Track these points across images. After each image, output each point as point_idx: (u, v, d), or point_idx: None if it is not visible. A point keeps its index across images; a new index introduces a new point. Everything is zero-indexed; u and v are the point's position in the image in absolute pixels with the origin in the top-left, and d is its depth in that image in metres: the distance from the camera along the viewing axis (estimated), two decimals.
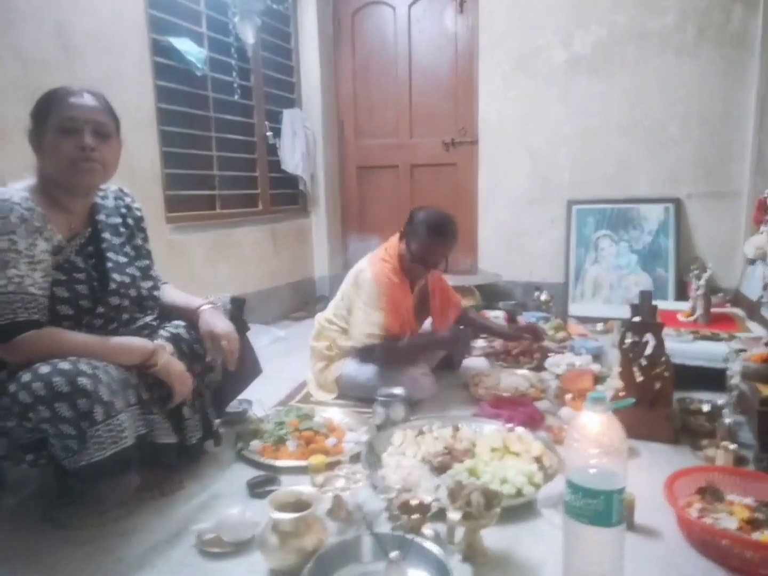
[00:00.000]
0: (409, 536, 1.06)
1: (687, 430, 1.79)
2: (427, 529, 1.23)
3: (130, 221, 1.54)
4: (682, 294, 3.16)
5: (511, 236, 3.60)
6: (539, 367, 2.45)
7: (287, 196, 3.77)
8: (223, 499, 1.46)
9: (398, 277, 2.10)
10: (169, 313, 1.61)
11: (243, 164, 3.38)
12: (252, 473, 1.56)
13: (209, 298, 1.70)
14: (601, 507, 1.00)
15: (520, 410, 1.89)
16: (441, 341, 2.22)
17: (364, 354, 2.08)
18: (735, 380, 1.71)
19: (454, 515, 1.13)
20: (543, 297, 3.41)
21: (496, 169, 3.57)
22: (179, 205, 2.85)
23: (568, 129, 3.37)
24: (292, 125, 3.55)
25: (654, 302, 1.89)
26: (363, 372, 2.09)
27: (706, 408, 1.88)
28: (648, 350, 1.79)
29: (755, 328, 2.40)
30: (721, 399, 1.87)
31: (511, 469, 1.48)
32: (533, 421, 1.85)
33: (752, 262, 1.72)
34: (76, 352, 1.23)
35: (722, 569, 1.15)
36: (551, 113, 3.39)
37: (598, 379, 1.98)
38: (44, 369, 1.14)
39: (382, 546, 1.03)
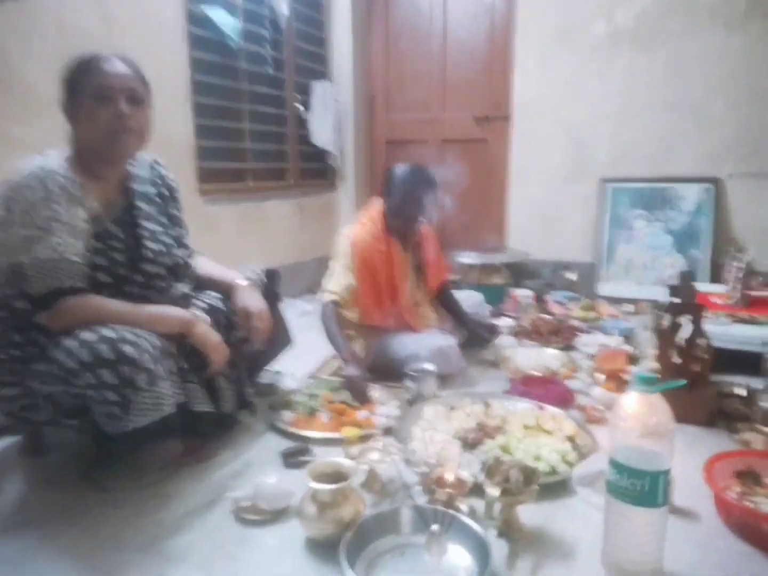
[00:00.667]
0: (449, 511, 1.05)
1: (722, 414, 1.75)
2: (462, 504, 1.23)
3: (164, 191, 1.54)
4: (717, 277, 3.07)
5: (541, 214, 3.53)
6: (569, 347, 2.42)
7: (316, 170, 3.74)
8: (256, 467, 1.48)
9: (381, 238, 2.08)
10: (203, 284, 1.62)
11: (274, 138, 3.35)
12: (284, 443, 1.58)
13: (246, 269, 1.71)
14: (647, 488, 0.98)
15: (552, 389, 1.88)
16: (344, 365, 1.93)
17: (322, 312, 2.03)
18: None
19: (493, 491, 1.13)
20: (571, 276, 3.36)
21: (529, 145, 3.49)
22: (212, 177, 2.85)
23: (607, 105, 3.26)
24: (322, 98, 3.51)
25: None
26: (393, 348, 2.08)
27: (742, 392, 1.84)
28: (685, 332, 1.76)
29: None
30: (757, 383, 1.83)
31: (544, 447, 1.47)
32: (565, 401, 1.84)
33: None
34: (116, 319, 1.25)
35: (762, 553, 1.13)
36: (590, 89, 3.28)
37: (632, 359, 1.94)
38: (88, 335, 1.16)
39: (423, 519, 1.03)
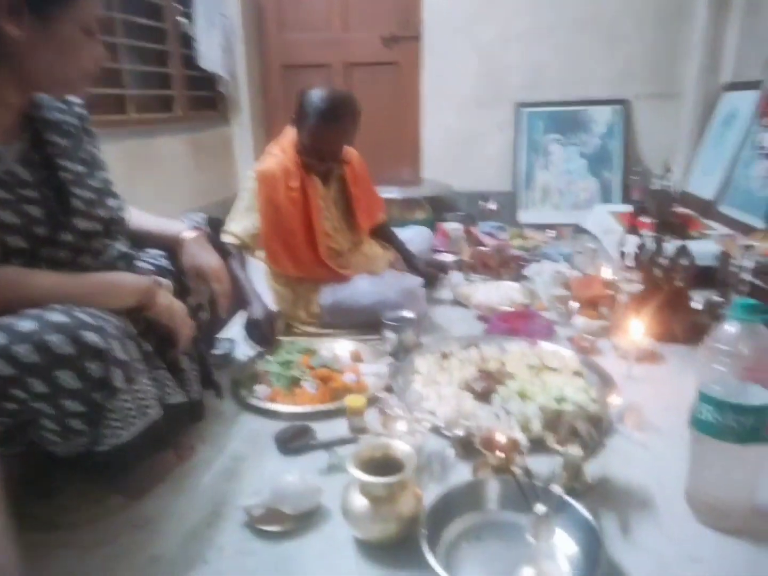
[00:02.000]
0: (556, 487, 0.89)
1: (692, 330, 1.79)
2: (516, 468, 1.07)
3: (72, 120, 1.11)
4: (626, 197, 3.20)
5: (457, 142, 3.39)
6: (520, 277, 2.36)
7: (206, 99, 3.21)
8: (248, 461, 1.20)
9: (293, 173, 1.78)
10: (140, 241, 1.23)
11: (154, 57, 2.77)
12: (269, 425, 1.31)
13: (186, 218, 1.34)
14: (755, 424, 0.89)
15: (534, 322, 1.78)
16: (248, 305, 1.67)
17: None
18: (745, 276, 1.71)
19: (575, 451, 0.98)
20: (491, 206, 3.30)
21: (441, 68, 3.28)
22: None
23: (519, 24, 3.13)
24: (207, 12, 2.94)
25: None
26: (353, 296, 1.84)
27: (698, 306, 1.89)
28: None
29: (715, 226, 2.47)
30: (713, 295, 1.90)
31: (567, 386, 1.36)
32: (549, 334, 1.75)
33: None
34: (47, 297, 0.86)
35: None
36: (501, 7, 3.12)
37: (608, 285, 1.90)
38: (26, 324, 0.78)
39: (526, 496, 0.85)
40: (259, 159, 1.90)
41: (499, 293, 2.11)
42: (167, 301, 1.04)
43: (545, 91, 3.23)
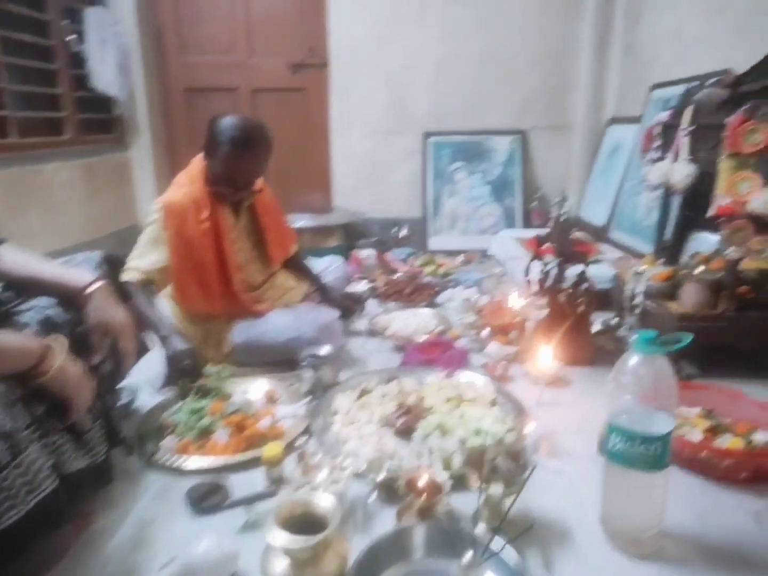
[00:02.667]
0: (483, 534, 0.88)
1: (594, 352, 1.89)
2: (441, 511, 1.07)
3: None
4: (528, 222, 3.37)
5: (367, 170, 3.42)
6: (433, 304, 2.40)
7: (100, 122, 3.01)
8: (156, 525, 1.10)
9: (203, 203, 1.70)
10: (23, 287, 1.11)
11: (39, 77, 2.56)
12: (177, 482, 1.21)
13: (80, 259, 1.23)
14: (660, 451, 0.94)
15: (449, 352, 1.81)
16: (166, 340, 1.56)
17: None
18: (638, 300, 1.84)
19: (496, 489, 0.98)
20: (403, 233, 3.35)
21: (350, 96, 3.30)
22: None
23: (425, 56, 3.24)
24: (99, 29, 2.78)
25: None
26: (266, 332, 1.77)
27: (597, 327, 2.01)
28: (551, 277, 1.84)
29: (608, 250, 2.66)
30: (607, 318, 2.04)
31: (484, 417, 1.38)
32: (464, 362, 1.78)
33: (655, 188, 1.83)
34: None
35: (707, 480, 1.21)
36: (408, 37, 3.21)
37: (515, 313, 1.98)
38: None
39: (453, 542, 0.84)
40: (161, 185, 1.81)
41: (415, 322, 2.13)
42: (60, 366, 0.93)
43: (450, 120, 3.35)
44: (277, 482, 1.19)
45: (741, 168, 1.47)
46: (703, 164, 1.70)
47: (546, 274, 2.02)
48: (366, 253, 2.98)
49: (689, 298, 1.67)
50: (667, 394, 0.96)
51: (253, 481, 1.21)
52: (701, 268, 1.82)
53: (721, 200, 1.51)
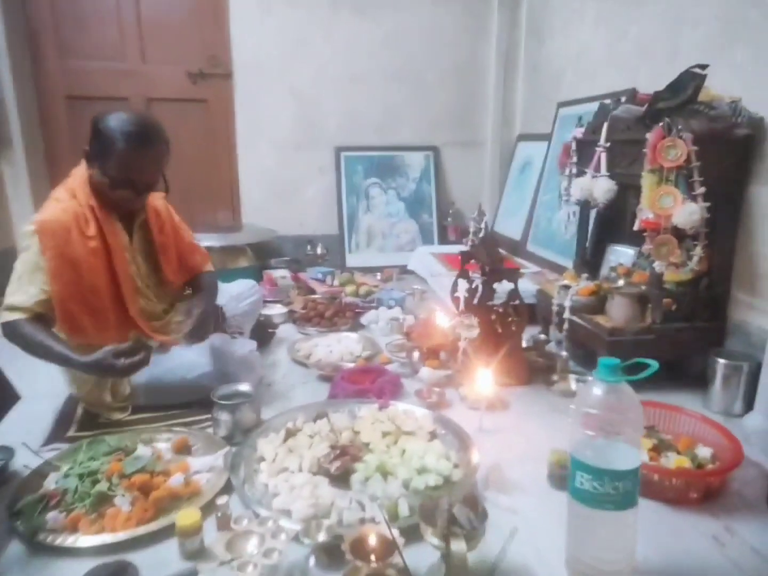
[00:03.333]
0: None
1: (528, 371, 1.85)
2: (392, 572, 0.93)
3: None
4: (443, 238, 3.36)
5: (277, 185, 3.25)
6: (355, 327, 2.27)
7: None
8: None
9: (88, 219, 1.47)
10: None
11: None
12: (67, 567, 0.98)
13: None
14: (629, 487, 0.87)
15: (380, 379, 1.68)
16: (80, 364, 1.36)
17: (8, 335, 1.40)
18: (566, 315, 1.83)
19: (458, 546, 0.86)
20: (319, 250, 3.21)
21: (256, 108, 3.12)
22: None
23: (334, 70, 3.14)
24: None
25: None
26: (179, 368, 1.55)
27: (524, 344, 1.99)
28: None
29: (525, 264, 2.68)
30: (534, 334, 2.02)
31: (426, 455, 1.27)
32: (397, 390, 1.67)
33: (577, 203, 1.83)
34: None
35: (659, 503, 1.17)
36: (316, 51, 3.09)
37: (445, 331, 1.89)
38: None
39: None
40: (39, 204, 1.54)
41: (339, 348, 1.98)
42: None
43: (363, 136, 3.26)
44: (195, 557, 1.00)
45: (662, 183, 1.49)
46: (621, 179, 1.72)
47: (473, 291, 1.97)
48: (280, 274, 2.80)
49: (617, 312, 1.67)
50: (634, 424, 0.89)
51: (166, 558, 1.00)
52: (621, 281, 1.85)
53: (644, 214, 1.52)
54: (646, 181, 1.52)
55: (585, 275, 1.91)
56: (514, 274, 1.70)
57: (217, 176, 3.21)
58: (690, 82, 1.46)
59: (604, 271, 2.05)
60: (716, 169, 1.50)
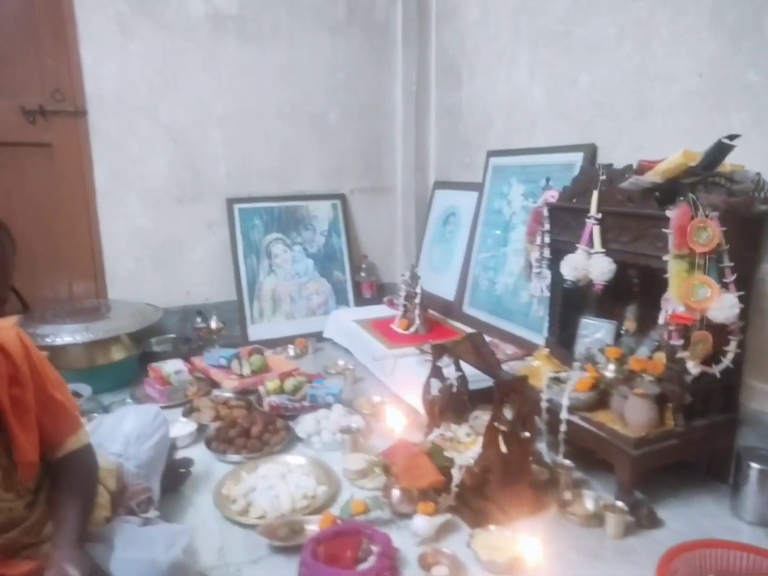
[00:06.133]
0: None
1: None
2: None
3: None
4: (358, 295, 2.97)
5: (155, 248, 2.62)
6: (290, 444, 1.77)
7: None
8: None
9: None
10: None
11: None
12: None
13: None
14: None
15: (364, 544, 1.22)
16: None
17: None
18: (563, 415, 1.53)
19: None
20: (213, 324, 2.62)
21: (122, 154, 2.48)
22: None
23: (219, 107, 2.61)
24: None
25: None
26: None
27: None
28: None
29: (462, 327, 2.39)
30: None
31: None
32: (392, 562, 1.22)
33: (572, 284, 1.55)
34: None
35: None
36: (196, 84, 2.55)
37: (432, 455, 1.48)
38: None
39: None
40: None
41: (287, 488, 1.48)
42: None
43: (258, 184, 2.77)
44: None
45: (692, 270, 1.26)
46: (618, 256, 1.48)
47: (447, 391, 1.61)
48: (172, 367, 2.18)
49: (635, 415, 1.40)
50: None
51: None
52: (612, 366, 1.61)
53: (673, 306, 1.28)
54: (674, 268, 1.27)
55: (578, 363, 1.63)
56: (521, 383, 1.36)
57: (71, 240, 2.49)
58: (720, 155, 1.25)
59: (579, 348, 1.80)
60: (737, 251, 1.30)
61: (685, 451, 1.43)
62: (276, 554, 1.28)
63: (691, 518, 1.38)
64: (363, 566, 1.20)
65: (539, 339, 2.01)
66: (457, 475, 1.40)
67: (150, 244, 2.60)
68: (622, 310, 1.78)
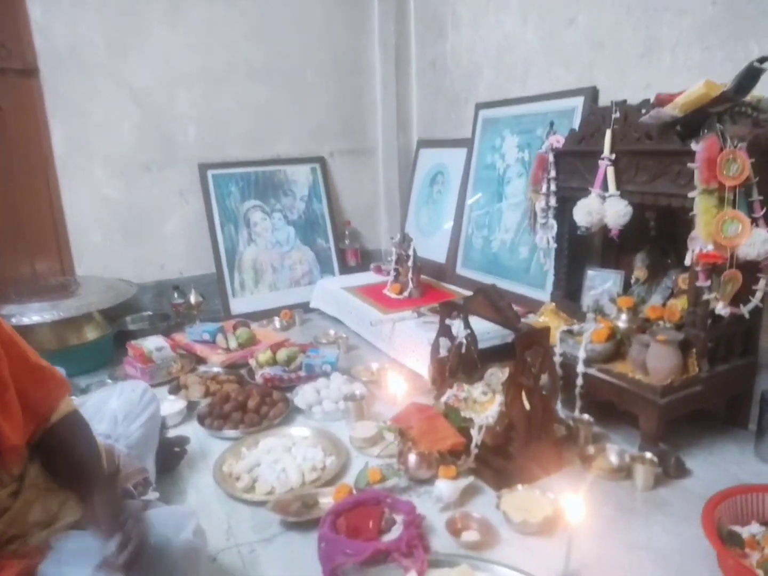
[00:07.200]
0: None
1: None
2: None
3: None
4: (343, 263, 2.85)
5: (124, 220, 2.43)
6: (289, 416, 1.66)
7: None
8: None
9: None
10: None
11: None
12: None
13: None
14: None
15: (406, 531, 1.12)
16: None
17: None
18: (580, 368, 1.46)
19: None
20: (192, 299, 2.47)
21: (82, 118, 2.27)
22: None
23: (187, 65, 2.42)
24: None
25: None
26: None
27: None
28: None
29: (458, 290, 2.30)
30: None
31: None
32: (424, 535, 1.13)
33: (586, 230, 1.47)
34: None
35: None
36: (160, 39, 2.34)
37: (449, 416, 1.39)
38: None
39: None
40: None
41: (294, 462, 1.38)
42: None
43: (232, 148, 2.59)
44: None
45: (721, 205, 1.19)
46: (635, 198, 1.40)
47: (458, 350, 1.52)
48: (153, 344, 2.03)
49: (658, 363, 1.34)
50: None
51: None
52: (624, 316, 1.54)
53: (700, 245, 1.21)
54: (702, 204, 1.20)
55: (592, 315, 1.56)
56: (542, 335, 1.27)
57: (31, 214, 2.28)
58: (751, 80, 1.17)
59: (586, 300, 1.74)
60: (763, 185, 1.23)
61: (709, 398, 1.38)
62: (290, 531, 1.19)
63: (717, 465, 1.34)
64: (388, 536, 1.12)
65: (541, 295, 1.94)
66: (476, 435, 1.32)
67: (118, 215, 2.41)
68: (628, 259, 1.72)
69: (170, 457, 1.42)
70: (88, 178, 2.32)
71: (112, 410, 1.26)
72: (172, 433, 1.54)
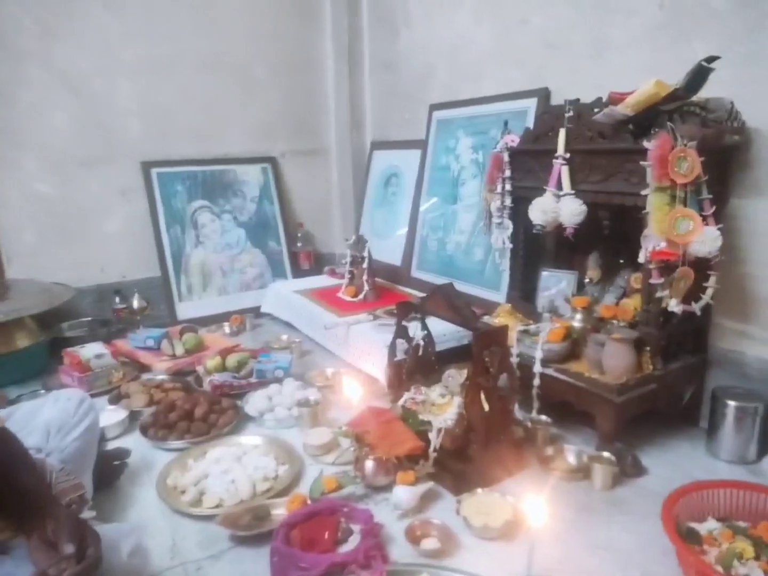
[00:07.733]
0: None
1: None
2: None
3: None
4: (296, 267, 2.77)
5: (60, 219, 2.28)
6: (237, 425, 1.58)
7: None
8: None
9: None
10: None
11: None
12: None
13: None
14: None
15: (363, 541, 1.07)
16: None
17: None
18: (536, 368, 1.45)
19: None
20: (135, 303, 2.34)
21: (9, 107, 2.12)
22: None
23: (128, 54, 2.30)
24: None
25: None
26: None
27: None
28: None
29: (414, 293, 2.27)
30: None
31: None
32: (382, 546, 1.08)
33: (542, 228, 1.45)
34: None
35: None
36: (94, 22, 2.22)
37: (407, 420, 1.35)
38: None
39: None
40: None
41: (244, 471, 1.30)
42: None
43: (178, 145, 2.48)
44: None
45: (673, 203, 1.20)
46: (588, 197, 1.40)
47: (415, 352, 1.49)
48: (92, 351, 1.90)
49: (614, 362, 1.34)
50: None
51: None
52: (579, 316, 1.55)
53: (654, 243, 1.21)
54: (655, 202, 1.21)
55: (548, 315, 1.56)
56: (500, 334, 1.25)
57: None
58: (700, 79, 1.18)
59: (541, 301, 1.74)
60: (710, 184, 1.26)
61: (662, 396, 1.39)
62: (240, 546, 1.11)
63: (672, 462, 1.35)
64: (346, 547, 1.06)
65: (496, 297, 1.93)
66: (435, 439, 1.28)
67: (54, 214, 2.26)
68: (581, 260, 1.73)
69: (109, 471, 1.32)
70: (18, 172, 2.17)
71: (44, 422, 1.15)
72: (112, 446, 1.44)
